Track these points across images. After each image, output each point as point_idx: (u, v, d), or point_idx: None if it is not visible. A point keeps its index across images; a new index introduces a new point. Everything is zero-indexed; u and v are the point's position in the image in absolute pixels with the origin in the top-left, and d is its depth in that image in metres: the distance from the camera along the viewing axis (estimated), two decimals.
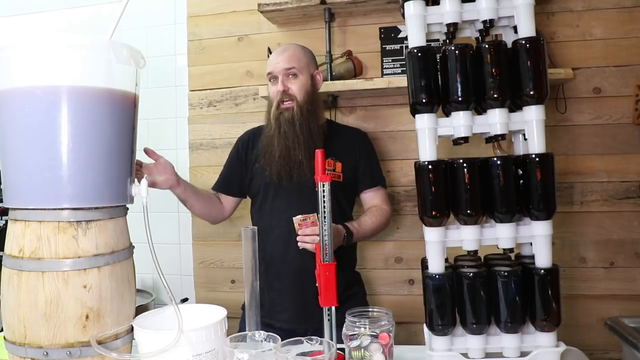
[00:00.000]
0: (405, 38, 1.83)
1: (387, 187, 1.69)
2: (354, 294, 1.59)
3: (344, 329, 1.00)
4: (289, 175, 1.50)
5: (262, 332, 0.91)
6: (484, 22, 1.07)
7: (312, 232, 1.35)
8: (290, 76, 1.53)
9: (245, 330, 0.96)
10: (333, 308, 1.05)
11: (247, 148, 1.65)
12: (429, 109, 1.05)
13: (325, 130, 1.60)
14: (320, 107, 1.64)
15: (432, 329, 1.05)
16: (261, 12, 1.98)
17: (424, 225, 1.06)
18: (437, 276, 1.04)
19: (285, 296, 1.52)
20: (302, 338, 0.89)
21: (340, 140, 1.61)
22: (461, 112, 1.04)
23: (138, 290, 1.59)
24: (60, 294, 0.83)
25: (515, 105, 1.06)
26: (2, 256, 0.87)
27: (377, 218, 1.57)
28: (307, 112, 1.52)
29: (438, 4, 1.08)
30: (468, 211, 1.02)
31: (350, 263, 1.65)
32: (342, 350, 1.03)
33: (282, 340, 0.89)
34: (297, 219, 1.39)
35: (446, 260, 1.09)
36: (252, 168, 1.61)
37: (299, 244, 1.36)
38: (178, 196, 1.53)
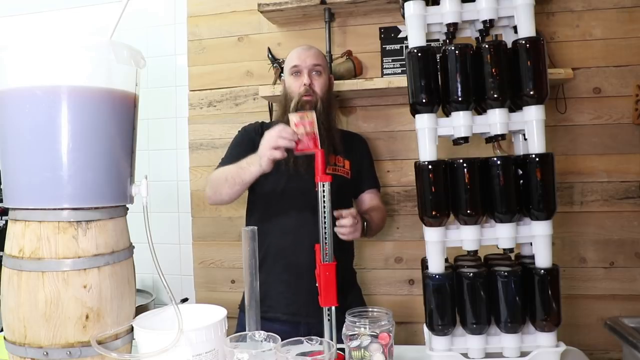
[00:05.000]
0: (405, 38, 1.83)
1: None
2: (351, 293, 1.60)
3: (344, 329, 1.00)
4: (307, 164, 1.47)
5: (262, 332, 0.91)
6: (484, 22, 1.07)
7: (349, 224, 1.36)
8: (315, 73, 1.55)
9: (240, 331, 0.96)
10: (333, 308, 1.06)
11: (258, 133, 1.59)
12: (429, 109, 1.05)
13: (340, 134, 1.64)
14: (335, 110, 1.69)
15: (432, 329, 1.05)
16: (261, 12, 1.98)
17: (424, 225, 1.06)
18: (437, 276, 1.04)
19: (292, 288, 1.52)
20: (302, 338, 0.89)
21: (344, 142, 1.64)
22: (461, 112, 1.04)
23: (138, 290, 1.58)
24: (60, 294, 0.83)
25: (515, 105, 1.06)
26: (2, 256, 0.87)
27: (381, 216, 1.63)
28: (327, 109, 1.55)
29: (438, 4, 1.08)
30: (468, 211, 1.02)
31: (348, 260, 1.66)
32: (342, 350, 1.03)
33: (283, 338, 0.89)
34: (294, 117, 1.29)
35: (446, 260, 1.09)
36: None
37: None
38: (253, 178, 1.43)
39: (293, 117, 1.30)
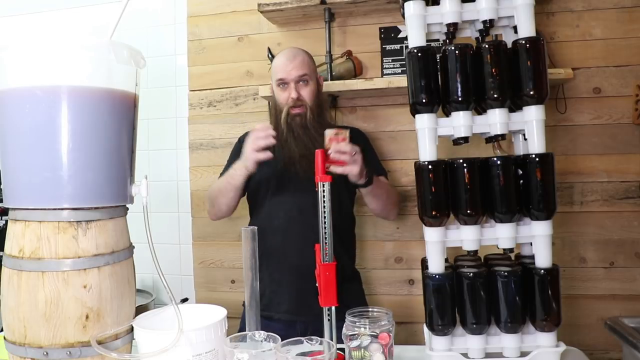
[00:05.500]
0: (405, 38, 1.83)
1: (388, 180, 1.72)
2: (353, 292, 1.60)
3: (344, 329, 1.00)
4: (296, 164, 1.52)
5: (262, 332, 0.91)
6: (484, 22, 1.07)
7: (348, 150, 1.32)
8: (301, 83, 1.55)
9: (244, 327, 0.96)
10: (333, 308, 1.05)
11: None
12: (429, 109, 1.05)
13: None
14: (327, 109, 1.70)
15: (432, 329, 1.05)
16: (261, 12, 1.98)
17: (424, 225, 1.06)
18: (437, 276, 1.04)
19: (285, 287, 1.53)
20: (302, 338, 0.89)
21: None
22: (461, 112, 1.04)
23: (138, 290, 1.58)
24: (60, 294, 0.83)
25: (515, 105, 1.06)
26: (2, 256, 0.87)
27: (390, 188, 1.63)
28: (317, 116, 1.56)
29: (438, 4, 1.08)
30: (468, 211, 1.02)
31: (349, 260, 1.66)
32: (342, 350, 1.03)
33: (282, 337, 0.89)
34: (330, 132, 1.35)
35: (446, 260, 1.09)
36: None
37: (331, 167, 1.31)
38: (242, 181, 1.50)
39: (328, 133, 1.37)
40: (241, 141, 1.69)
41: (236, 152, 1.68)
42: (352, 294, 1.61)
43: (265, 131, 1.39)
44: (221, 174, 1.69)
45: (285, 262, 1.54)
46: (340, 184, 1.56)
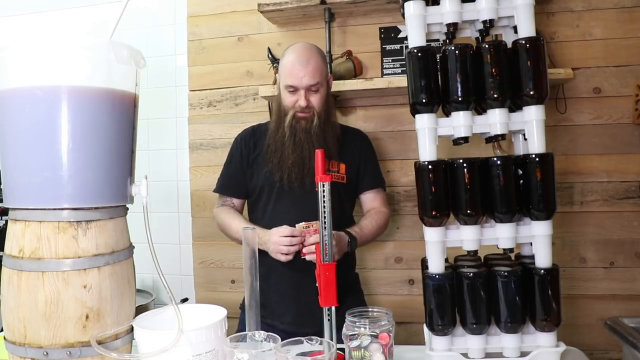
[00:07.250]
0: (405, 38, 1.83)
1: (386, 189, 1.70)
2: (352, 295, 1.60)
3: (344, 329, 1.00)
4: (301, 183, 1.50)
5: (262, 332, 0.91)
6: (484, 22, 1.07)
7: (316, 241, 1.33)
8: (312, 91, 1.50)
9: (243, 330, 0.96)
10: (333, 308, 1.06)
11: (248, 145, 1.63)
12: (429, 109, 1.05)
13: (339, 135, 1.60)
14: (334, 111, 1.66)
15: (432, 329, 1.05)
16: (261, 12, 1.98)
17: (424, 225, 1.06)
18: (437, 276, 1.04)
19: (288, 299, 1.52)
20: (302, 338, 0.89)
21: (343, 141, 1.61)
22: (461, 112, 1.04)
23: (138, 290, 1.58)
24: (60, 294, 0.83)
25: (515, 105, 1.06)
26: (2, 256, 0.87)
27: (377, 221, 1.58)
28: (324, 122, 1.52)
29: (438, 4, 1.08)
30: (468, 211, 1.02)
31: (349, 264, 1.65)
32: (342, 350, 1.03)
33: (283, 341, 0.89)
34: (299, 226, 1.39)
35: (446, 260, 1.09)
36: (253, 166, 1.60)
37: (304, 255, 1.37)
38: None
39: (299, 226, 1.40)
40: (238, 142, 1.65)
41: (230, 160, 1.65)
42: (352, 296, 1.60)
43: (285, 241, 1.39)
44: (218, 182, 1.66)
45: (287, 274, 1.51)
46: (342, 190, 1.56)
